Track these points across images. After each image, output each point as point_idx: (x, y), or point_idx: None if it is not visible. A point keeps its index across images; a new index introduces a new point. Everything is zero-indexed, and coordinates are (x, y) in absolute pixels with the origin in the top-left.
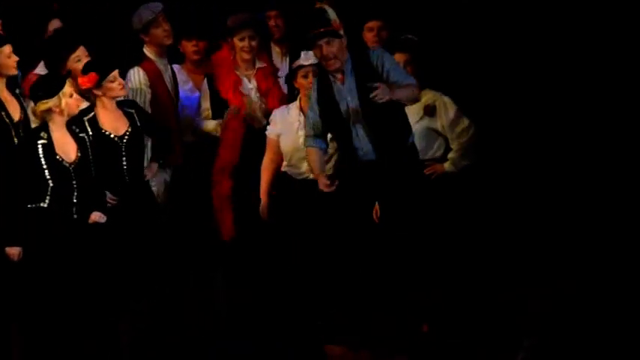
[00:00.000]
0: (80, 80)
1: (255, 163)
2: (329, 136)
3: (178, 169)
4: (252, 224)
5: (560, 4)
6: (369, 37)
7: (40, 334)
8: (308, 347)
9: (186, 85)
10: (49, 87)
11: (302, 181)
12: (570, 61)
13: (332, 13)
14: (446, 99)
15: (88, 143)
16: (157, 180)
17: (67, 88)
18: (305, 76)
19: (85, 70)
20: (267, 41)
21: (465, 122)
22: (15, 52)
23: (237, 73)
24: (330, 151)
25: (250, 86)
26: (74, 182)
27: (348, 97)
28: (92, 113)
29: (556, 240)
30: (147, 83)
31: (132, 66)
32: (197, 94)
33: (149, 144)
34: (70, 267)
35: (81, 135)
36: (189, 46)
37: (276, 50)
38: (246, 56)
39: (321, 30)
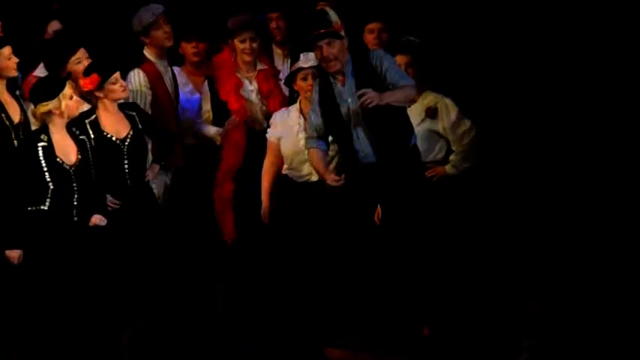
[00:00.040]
0: (82, 82)
1: (258, 166)
2: (329, 138)
3: (179, 172)
4: (253, 227)
5: (561, 5)
6: (369, 38)
7: (41, 337)
8: (308, 350)
9: (186, 87)
10: (49, 89)
11: (303, 184)
12: (572, 62)
13: (333, 15)
14: (447, 101)
15: (88, 145)
16: (157, 182)
17: (67, 90)
18: (304, 79)
19: (87, 72)
20: (269, 43)
21: (467, 124)
22: (15, 53)
23: (238, 75)
24: (331, 153)
25: (251, 88)
26: (74, 185)
27: (348, 99)
28: (94, 116)
29: (556, 240)
30: (147, 85)
31: (132, 68)
32: (197, 96)
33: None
34: (70, 270)
35: (81, 137)
36: (188, 48)
37: (277, 52)
38: (247, 58)
39: (322, 31)
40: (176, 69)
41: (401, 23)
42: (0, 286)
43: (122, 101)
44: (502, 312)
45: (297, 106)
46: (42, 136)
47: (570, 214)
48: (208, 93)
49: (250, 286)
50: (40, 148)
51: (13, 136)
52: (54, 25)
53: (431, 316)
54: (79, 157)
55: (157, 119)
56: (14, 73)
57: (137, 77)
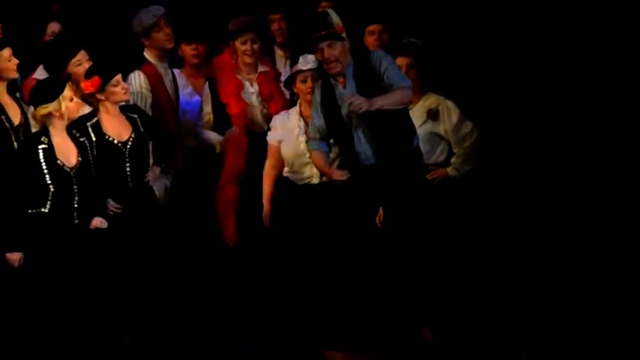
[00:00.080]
0: (83, 85)
1: (259, 169)
2: (331, 140)
3: (179, 174)
4: (254, 230)
5: (563, 7)
6: (370, 40)
7: (41, 339)
8: (308, 350)
9: (185, 90)
10: (49, 91)
11: (304, 187)
12: (573, 64)
13: (335, 17)
14: (449, 103)
15: (88, 148)
16: (157, 185)
17: (67, 92)
18: (304, 81)
19: (89, 74)
20: (270, 45)
21: (469, 126)
22: (15, 55)
23: (239, 77)
24: (332, 155)
25: (252, 90)
26: (75, 187)
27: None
28: (95, 119)
29: (556, 240)
30: (147, 87)
31: (132, 70)
32: (197, 98)
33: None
34: (70, 272)
35: (81, 139)
36: (188, 50)
37: (279, 54)
38: (249, 60)
39: (323, 33)
40: (175, 71)
41: (402, 25)
42: (1, 289)
43: (123, 103)
44: (502, 312)
45: (297, 108)
46: (42, 139)
47: (570, 215)
48: (209, 95)
49: (250, 287)
50: (40, 151)
51: (13, 138)
52: (53, 27)
53: (431, 317)
54: (80, 159)
55: (158, 121)
56: (14, 75)
57: (137, 79)
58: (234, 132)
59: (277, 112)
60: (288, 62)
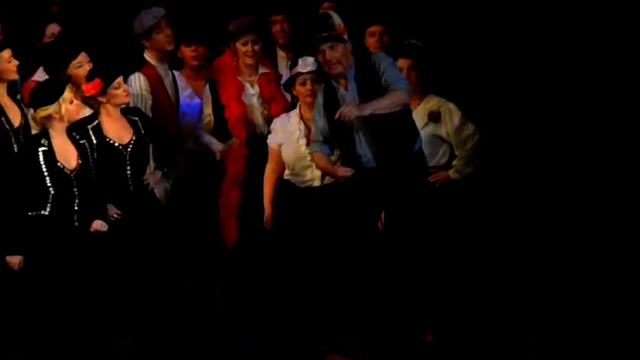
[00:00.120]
0: (85, 87)
1: (260, 172)
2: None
3: (179, 177)
4: (256, 233)
5: (566, 9)
6: (371, 42)
7: (42, 341)
8: (308, 350)
9: (185, 92)
10: (49, 93)
11: (305, 189)
12: (575, 65)
13: (337, 18)
14: (451, 105)
15: (88, 150)
16: (157, 188)
17: (67, 94)
18: (303, 84)
19: (90, 76)
20: (271, 46)
21: (470, 129)
22: (14, 56)
23: (240, 78)
24: (334, 158)
25: (252, 92)
26: (75, 189)
27: (351, 103)
28: (96, 121)
29: (556, 240)
30: (148, 89)
31: (132, 71)
32: (196, 100)
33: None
34: (71, 275)
35: (81, 142)
36: (187, 52)
37: (281, 55)
38: (249, 61)
39: (325, 34)
40: (175, 73)
41: (403, 26)
42: (1, 292)
43: (124, 106)
44: (502, 312)
45: (297, 111)
46: (42, 141)
47: (570, 216)
48: (210, 97)
49: (251, 287)
50: (40, 153)
51: (13, 140)
52: (52, 28)
53: (431, 317)
54: (80, 161)
55: (158, 123)
56: (14, 76)
57: (138, 81)
58: (233, 143)
59: (278, 114)
60: (289, 64)
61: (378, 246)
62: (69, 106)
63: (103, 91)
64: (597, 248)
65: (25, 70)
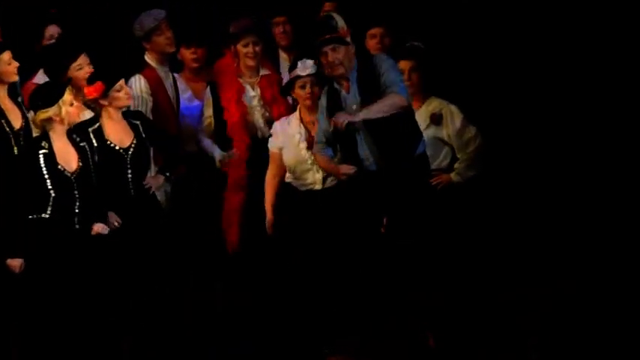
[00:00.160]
0: (86, 90)
1: (261, 174)
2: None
3: (180, 179)
4: (257, 237)
5: (568, 11)
6: (371, 44)
7: (42, 343)
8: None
9: (185, 94)
10: (49, 95)
11: (306, 193)
12: (578, 67)
13: (340, 20)
14: (452, 107)
15: (88, 153)
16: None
17: (67, 97)
18: (302, 87)
19: (91, 79)
20: (273, 48)
21: (472, 131)
22: (14, 58)
23: (241, 80)
24: (335, 161)
25: (253, 94)
26: (76, 192)
27: (353, 105)
28: (97, 124)
29: (556, 240)
30: (148, 91)
31: (133, 74)
32: (196, 102)
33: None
34: (71, 278)
35: (81, 144)
36: (187, 54)
37: (283, 57)
38: (251, 62)
39: (327, 37)
40: (175, 75)
41: (404, 28)
42: (1, 295)
43: (126, 109)
44: (502, 312)
45: (296, 114)
46: (43, 143)
47: (570, 216)
48: (210, 99)
49: (251, 288)
50: (41, 155)
51: (14, 142)
52: (51, 30)
53: (431, 317)
54: (80, 164)
55: (158, 126)
56: (15, 78)
57: (138, 83)
58: (232, 156)
59: (280, 116)
60: (288, 67)
61: (379, 248)
62: (69, 109)
63: (105, 94)
64: (597, 248)
65: (25, 73)
